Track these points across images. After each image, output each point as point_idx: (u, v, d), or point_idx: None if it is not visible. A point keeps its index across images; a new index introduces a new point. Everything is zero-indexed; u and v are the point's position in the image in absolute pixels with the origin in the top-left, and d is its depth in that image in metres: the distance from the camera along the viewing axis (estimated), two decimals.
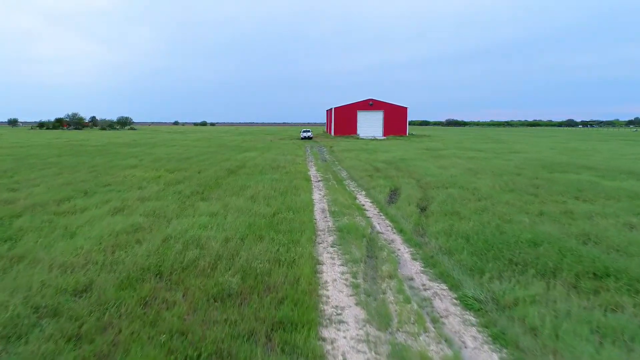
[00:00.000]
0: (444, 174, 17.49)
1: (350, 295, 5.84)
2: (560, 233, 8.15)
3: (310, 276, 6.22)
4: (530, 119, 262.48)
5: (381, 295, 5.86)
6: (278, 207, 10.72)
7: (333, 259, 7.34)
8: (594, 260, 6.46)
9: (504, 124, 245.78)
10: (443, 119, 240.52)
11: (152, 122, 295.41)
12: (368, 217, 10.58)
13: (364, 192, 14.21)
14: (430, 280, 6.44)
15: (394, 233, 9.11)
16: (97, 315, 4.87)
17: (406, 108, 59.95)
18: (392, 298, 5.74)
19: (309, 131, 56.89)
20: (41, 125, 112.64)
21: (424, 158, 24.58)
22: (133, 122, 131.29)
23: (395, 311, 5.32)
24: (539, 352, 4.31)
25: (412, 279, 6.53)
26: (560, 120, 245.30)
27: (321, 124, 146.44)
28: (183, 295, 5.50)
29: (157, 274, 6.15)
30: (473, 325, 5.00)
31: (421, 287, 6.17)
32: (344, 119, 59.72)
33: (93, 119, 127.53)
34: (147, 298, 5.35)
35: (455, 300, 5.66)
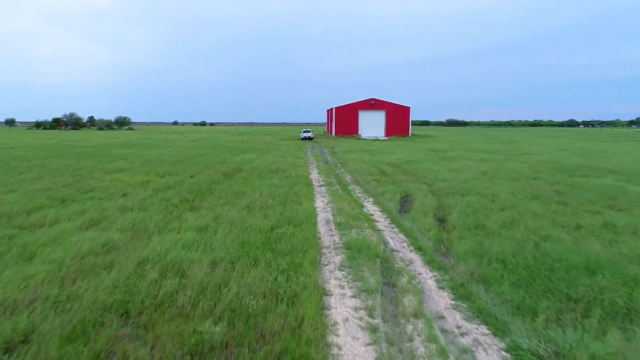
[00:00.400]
0: (456, 178, 16.19)
1: (368, 345, 4.54)
2: (612, 254, 6.85)
3: (315, 317, 4.91)
4: (530, 119, 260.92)
5: (408, 344, 4.57)
6: (277, 219, 9.41)
7: (342, 287, 6.04)
8: None
9: (505, 124, 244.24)
10: (443, 119, 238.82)
11: (152, 122, 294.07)
12: (379, 230, 9.28)
13: (371, 199, 12.91)
14: (465, 319, 5.13)
15: (412, 251, 7.81)
16: None
17: (409, 108, 58.65)
18: (423, 350, 4.44)
19: (309, 131, 55.57)
20: (38, 125, 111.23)
21: (432, 160, 23.27)
22: (131, 122, 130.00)
23: None
24: None
25: (442, 317, 5.22)
26: (562, 121, 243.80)
27: (321, 124, 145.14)
28: (151, 349, 4.20)
29: (122, 315, 4.85)
30: None
31: (456, 331, 4.87)
32: (345, 119, 58.40)
33: (91, 119, 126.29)
34: (102, 355, 4.05)
35: (505, 354, 4.36)
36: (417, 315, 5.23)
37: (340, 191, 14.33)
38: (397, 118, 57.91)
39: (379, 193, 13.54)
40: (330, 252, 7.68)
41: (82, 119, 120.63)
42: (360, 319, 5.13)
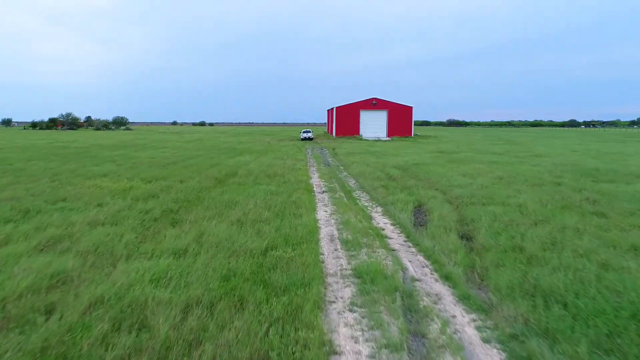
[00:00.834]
0: (471, 184, 14.70)
1: None
2: None
3: None
4: (530, 119, 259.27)
5: None
6: (272, 237, 7.92)
7: (356, 341, 4.56)
8: None
9: (505, 124, 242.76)
10: (444, 119, 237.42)
11: (151, 122, 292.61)
12: (393, 250, 7.80)
13: (380, 209, 11.42)
14: None
15: (438, 281, 6.33)
16: None
17: (411, 107, 57.14)
18: None
19: (309, 132, 54.12)
20: (34, 125, 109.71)
21: (441, 163, 21.78)
22: (129, 122, 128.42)
23: None
24: None
25: None
26: (563, 121, 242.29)
27: (321, 124, 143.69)
28: None
29: None
30: None
31: None
32: (346, 118, 56.90)
33: (88, 119, 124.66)
34: None
35: None
36: None
37: (345, 199, 12.84)
38: (400, 118, 56.41)
39: (389, 202, 12.04)
40: (338, 283, 6.20)
41: (79, 119, 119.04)
42: None
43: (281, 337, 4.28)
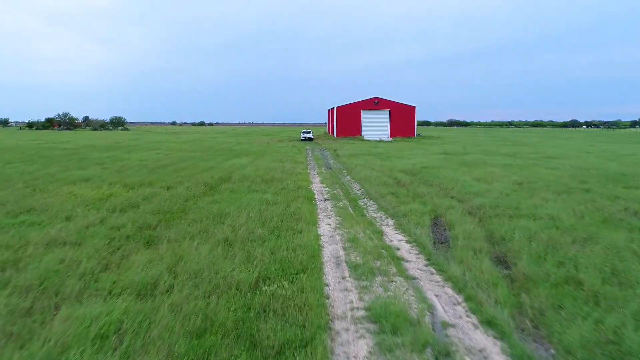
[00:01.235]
0: (490, 191, 13.24)
1: None
2: None
3: None
4: (531, 119, 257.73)
5: None
6: (265, 263, 6.45)
7: None
8: None
9: (506, 124, 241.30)
10: (444, 119, 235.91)
11: (151, 123, 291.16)
12: (414, 279, 6.35)
13: (391, 222, 9.96)
14: None
15: (479, 328, 4.86)
16: None
17: (414, 107, 55.64)
18: None
19: (309, 132, 52.69)
20: (30, 125, 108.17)
21: (451, 166, 20.30)
22: (127, 122, 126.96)
23: None
24: None
25: None
26: (564, 121, 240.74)
27: (322, 124, 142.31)
28: None
29: None
30: None
31: None
32: (347, 118, 55.40)
33: (86, 119, 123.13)
34: None
35: None
36: None
37: (350, 209, 11.38)
38: (402, 118, 54.94)
39: (401, 212, 10.57)
40: (348, 331, 4.74)
41: (76, 119, 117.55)
42: None
43: None
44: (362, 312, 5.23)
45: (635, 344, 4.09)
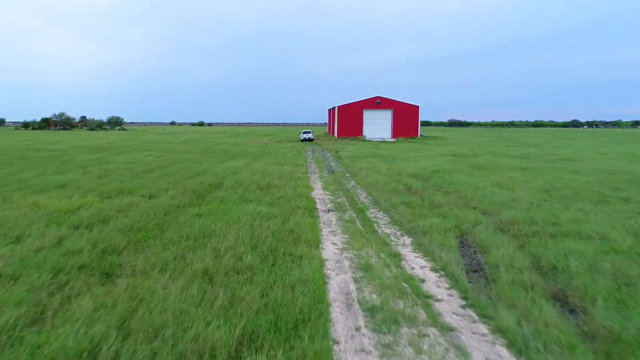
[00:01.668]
0: (515, 200, 11.63)
1: None
2: None
3: None
4: (531, 119, 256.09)
5: None
6: (252, 313, 4.82)
7: None
8: None
9: (507, 124, 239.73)
10: (444, 119, 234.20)
11: (151, 123, 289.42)
12: (451, 330, 4.74)
13: (408, 241, 8.34)
14: None
15: None
16: None
17: (417, 107, 53.97)
18: None
19: (309, 132, 51.08)
20: (26, 125, 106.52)
21: (464, 170, 18.67)
22: (125, 122, 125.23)
23: None
24: None
25: None
26: (565, 121, 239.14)
27: (322, 124, 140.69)
28: None
29: None
30: None
31: None
32: (348, 118, 53.75)
33: (83, 118, 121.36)
34: None
35: None
36: None
37: (358, 222, 9.77)
38: (405, 118, 53.29)
39: (419, 229, 8.95)
40: None
41: (74, 119, 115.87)
42: None
43: None
44: None
45: None
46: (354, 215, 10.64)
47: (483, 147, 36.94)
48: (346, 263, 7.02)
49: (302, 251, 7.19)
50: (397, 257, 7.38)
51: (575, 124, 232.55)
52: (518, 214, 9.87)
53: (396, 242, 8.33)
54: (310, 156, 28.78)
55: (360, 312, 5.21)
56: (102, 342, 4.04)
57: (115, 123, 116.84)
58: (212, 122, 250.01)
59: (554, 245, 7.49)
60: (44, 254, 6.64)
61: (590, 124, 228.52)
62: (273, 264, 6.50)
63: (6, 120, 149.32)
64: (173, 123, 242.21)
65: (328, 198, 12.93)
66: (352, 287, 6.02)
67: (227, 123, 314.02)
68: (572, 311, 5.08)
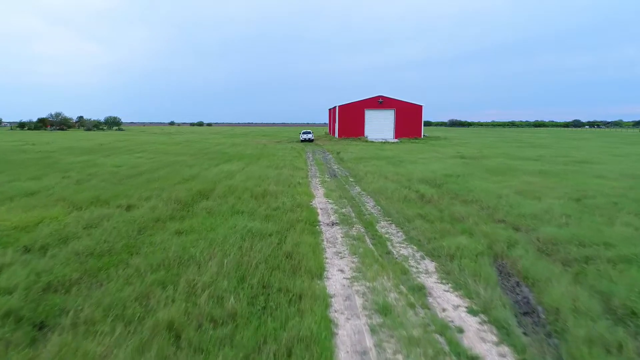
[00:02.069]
0: (547, 211, 10.11)
1: None
2: None
3: None
4: (532, 119, 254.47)
5: None
6: None
7: None
8: None
9: (508, 124, 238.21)
10: (445, 119, 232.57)
11: (150, 123, 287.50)
12: None
13: (432, 267, 6.82)
14: None
15: None
16: None
17: (421, 106, 52.42)
18: None
19: (309, 132, 49.51)
20: (22, 125, 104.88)
21: (478, 174, 17.14)
22: (122, 122, 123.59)
23: None
24: None
25: None
26: (566, 121, 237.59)
27: (322, 125, 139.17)
28: None
29: None
30: None
31: None
32: (349, 118, 52.20)
33: (80, 118, 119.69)
34: None
35: None
36: None
37: (368, 240, 8.25)
38: (408, 118, 51.73)
39: (443, 251, 7.41)
40: None
41: (71, 119, 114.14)
42: None
43: None
44: None
45: None
46: (363, 230, 9.12)
47: (490, 148, 35.41)
48: (358, 301, 5.50)
49: (302, 286, 5.66)
50: (421, 292, 5.85)
51: (577, 124, 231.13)
52: (557, 230, 8.34)
53: (417, 268, 6.81)
54: (311, 158, 27.25)
55: None
56: None
57: (112, 123, 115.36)
58: (211, 122, 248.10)
59: (617, 276, 5.97)
60: None
61: (592, 124, 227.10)
62: (263, 308, 4.97)
63: (2, 120, 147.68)
64: (172, 123, 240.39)
65: (331, 208, 11.41)
66: (369, 342, 4.50)
67: (226, 123, 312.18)
68: None
